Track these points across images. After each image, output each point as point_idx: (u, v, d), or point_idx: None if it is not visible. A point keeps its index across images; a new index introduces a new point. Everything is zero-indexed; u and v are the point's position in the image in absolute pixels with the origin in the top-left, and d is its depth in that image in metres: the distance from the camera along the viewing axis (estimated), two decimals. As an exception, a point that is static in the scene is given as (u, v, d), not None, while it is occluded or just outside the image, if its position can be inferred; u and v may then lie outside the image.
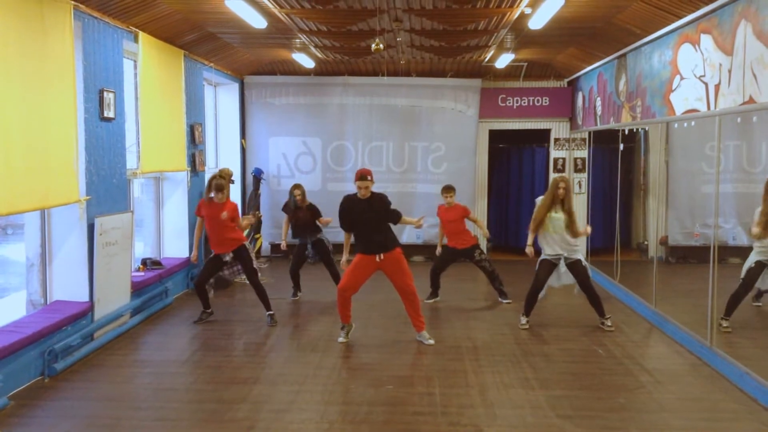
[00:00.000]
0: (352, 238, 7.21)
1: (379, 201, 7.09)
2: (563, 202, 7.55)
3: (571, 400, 5.56)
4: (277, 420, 5.15)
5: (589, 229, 7.97)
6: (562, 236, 7.56)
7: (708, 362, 6.48)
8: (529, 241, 7.86)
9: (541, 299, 7.91)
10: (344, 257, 7.29)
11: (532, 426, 5.06)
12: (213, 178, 7.89)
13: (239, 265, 7.93)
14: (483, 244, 9.51)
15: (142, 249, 9.83)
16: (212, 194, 7.76)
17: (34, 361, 5.94)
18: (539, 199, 7.82)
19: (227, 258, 7.87)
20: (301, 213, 9.04)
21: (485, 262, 8.99)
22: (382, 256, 6.96)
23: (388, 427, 5.03)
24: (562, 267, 7.62)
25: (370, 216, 6.99)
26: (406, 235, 12.39)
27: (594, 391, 5.79)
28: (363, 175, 6.99)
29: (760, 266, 6.98)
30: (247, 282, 8.11)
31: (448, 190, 8.99)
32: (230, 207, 7.84)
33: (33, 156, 5.70)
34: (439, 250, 9.15)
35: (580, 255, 7.66)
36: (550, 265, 7.67)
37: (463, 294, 9.50)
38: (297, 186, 9.19)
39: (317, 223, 9.06)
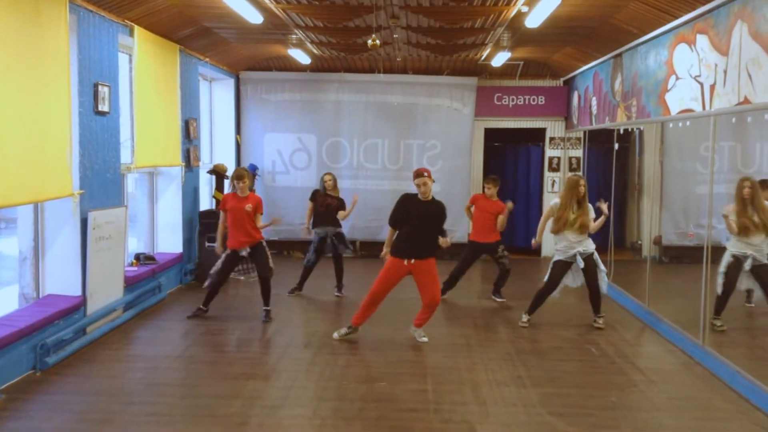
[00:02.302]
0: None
1: (439, 210, 6.95)
2: (580, 201, 7.56)
3: (564, 398, 5.57)
4: (270, 416, 5.14)
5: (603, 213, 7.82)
6: (577, 235, 7.56)
7: (700, 361, 6.50)
8: (539, 238, 7.95)
9: (555, 298, 7.91)
10: (384, 251, 7.20)
11: (525, 424, 5.07)
12: (234, 171, 7.96)
13: (253, 265, 7.89)
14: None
15: (135, 244, 9.80)
16: (235, 184, 7.80)
17: (26, 355, 5.92)
18: (554, 202, 7.78)
19: (244, 253, 7.83)
20: (331, 200, 9.06)
21: (505, 259, 8.93)
22: (412, 261, 6.89)
23: (380, 423, 5.03)
24: (581, 263, 7.56)
25: (424, 219, 6.87)
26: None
27: (586, 389, 5.81)
28: (419, 173, 6.89)
29: (737, 261, 7.03)
30: (250, 278, 8.06)
31: (493, 182, 8.95)
32: (254, 199, 7.87)
33: (27, 149, 5.67)
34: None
35: (593, 248, 7.68)
36: (565, 266, 7.67)
37: (456, 292, 9.49)
38: (328, 173, 9.35)
39: (337, 216, 9.10)
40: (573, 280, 7.78)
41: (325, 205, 9.05)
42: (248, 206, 7.74)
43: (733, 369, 5.91)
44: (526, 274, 10.95)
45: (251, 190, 11.82)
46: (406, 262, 6.89)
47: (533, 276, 10.56)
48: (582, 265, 7.56)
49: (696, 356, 6.61)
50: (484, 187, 9.10)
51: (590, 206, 7.73)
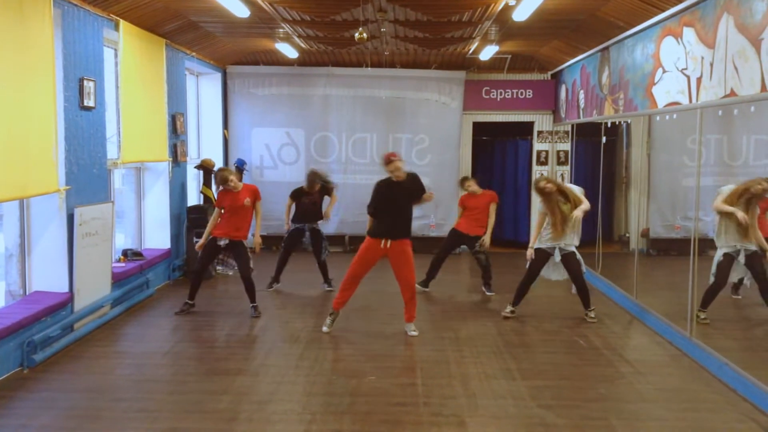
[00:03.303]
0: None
1: (414, 181, 7.05)
2: (561, 194, 7.57)
3: (553, 390, 5.59)
4: (259, 411, 5.13)
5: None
6: (564, 228, 7.59)
7: (688, 353, 6.54)
8: (532, 243, 7.88)
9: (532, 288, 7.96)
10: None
11: (514, 416, 5.09)
12: (218, 170, 7.96)
13: (233, 262, 7.90)
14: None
15: (123, 240, 9.75)
16: (222, 187, 7.79)
17: (13, 353, 5.88)
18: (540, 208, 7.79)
19: (221, 243, 7.81)
20: (311, 197, 9.02)
21: (481, 254, 9.02)
22: (388, 243, 6.96)
23: (370, 417, 5.03)
24: (557, 257, 7.65)
25: (404, 198, 6.97)
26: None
27: (575, 381, 5.83)
28: (389, 159, 6.92)
29: (728, 259, 7.08)
30: (231, 273, 8.05)
31: (467, 180, 9.12)
32: (248, 191, 7.83)
33: (12, 145, 5.62)
34: None
35: (574, 248, 7.70)
36: (545, 255, 7.71)
37: (446, 285, 9.52)
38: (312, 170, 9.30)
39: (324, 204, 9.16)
40: (554, 273, 7.84)
41: (305, 202, 9.04)
42: (247, 200, 7.73)
43: (720, 360, 5.95)
44: (516, 267, 10.95)
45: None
46: (382, 243, 6.96)
47: (522, 269, 10.53)
48: (558, 259, 7.64)
49: (684, 348, 6.65)
50: (464, 187, 9.18)
51: (575, 188, 7.73)
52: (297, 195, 9.15)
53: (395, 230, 6.99)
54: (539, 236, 7.78)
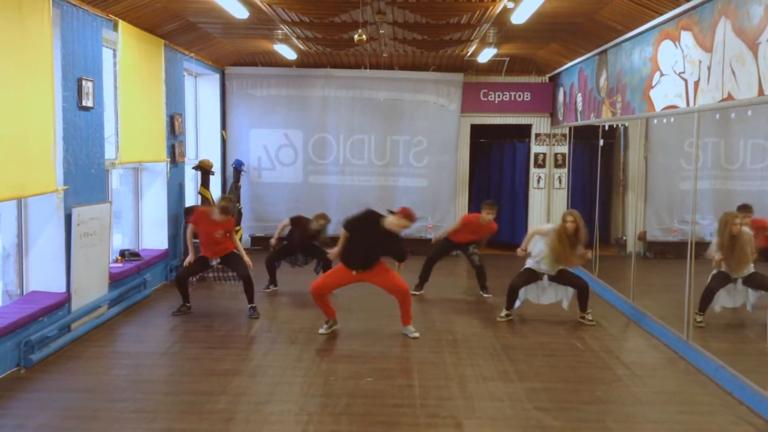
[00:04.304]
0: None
1: (392, 240, 6.93)
2: (576, 236, 7.51)
3: (550, 392, 5.60)
4: (256, 412, 5.13)
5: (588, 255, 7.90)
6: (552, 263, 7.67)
7: (684, 356, 6.55)
8: (523, 246, 7.96)
9: (517, 309, 7.97)
10: (334, 250, 7.24)
11: (511, 418, 5.09)
12: (222, 199, 8.01)
13: (231, 273, 7.97)
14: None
15: (120, 240, 9.74)
16: (216, 214, 7.75)
17: (10, 352, 5.87)
18: (550, 228, 7.73)
19: (213, 263, 7.97)
20: (308, 234, 9.03)
21: (475, 256, 9.10)
22: (360, 271, 7.00)
23: (367, 419, 5.03)
24: (546, 282, 7.78)
25: (373, 243, 6.91)
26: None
27: (572, 383, 5.84)
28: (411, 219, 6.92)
29: (726, 274, 7.19)
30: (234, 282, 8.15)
31: (491, 207, 8.96)
32: (227, 227, 7.86)
33: (10, 145, 5.62)
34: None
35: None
36: (533, 274, 7.80)
37: (443, 287, 9.53)
38: (322, 216, 9.13)
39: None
40: (537, 296, 7.93)
41: (300, 236, 9.07)
42: (218, 232, 7.78)
43: (716, 363, 5.96)
44: (513, 270, 10.94)
45: (237, 187, 11.79)
46: (354, 272, 7.01)
47: (517, 271, 10.56)
48: (546, 284, 7.78)
49: (680, 351, 6.66)
50: (482, 210, 8.98)
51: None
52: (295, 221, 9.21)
53: (363, 262, 6.97)
54: (531, 253, 7.82)
